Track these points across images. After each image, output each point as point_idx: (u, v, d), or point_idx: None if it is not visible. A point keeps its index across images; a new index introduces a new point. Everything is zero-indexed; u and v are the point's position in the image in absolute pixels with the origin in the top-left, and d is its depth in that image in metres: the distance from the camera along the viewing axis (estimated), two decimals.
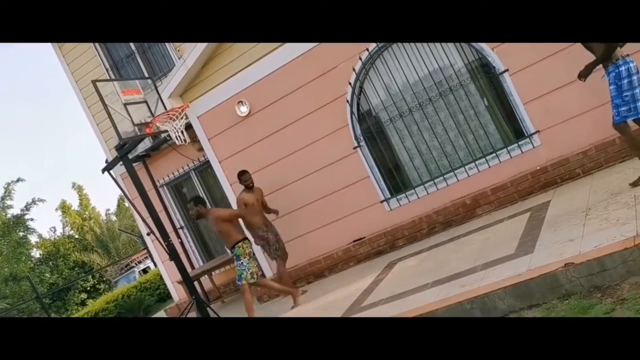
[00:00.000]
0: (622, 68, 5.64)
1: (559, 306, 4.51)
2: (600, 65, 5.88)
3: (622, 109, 5.71)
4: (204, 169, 11.61)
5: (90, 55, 12.43)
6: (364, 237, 8.92)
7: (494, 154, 8.11)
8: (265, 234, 8.70)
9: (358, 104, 8.79)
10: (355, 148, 8.76)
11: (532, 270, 4.93)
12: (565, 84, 6.44)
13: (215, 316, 8.69)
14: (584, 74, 6.04)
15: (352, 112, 8.71)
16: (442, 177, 8.48)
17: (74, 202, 34.44)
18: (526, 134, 7.91)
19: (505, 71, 7.78)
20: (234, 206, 9.06)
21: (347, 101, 8.67)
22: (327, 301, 7.58)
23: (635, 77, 5.63)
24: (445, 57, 8.21)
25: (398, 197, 8.74)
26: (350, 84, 8.59)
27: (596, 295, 4.39)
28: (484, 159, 8.18)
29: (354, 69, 8.51)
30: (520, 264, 5.23)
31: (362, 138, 8.77)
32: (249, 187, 8.66)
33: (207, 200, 10.85)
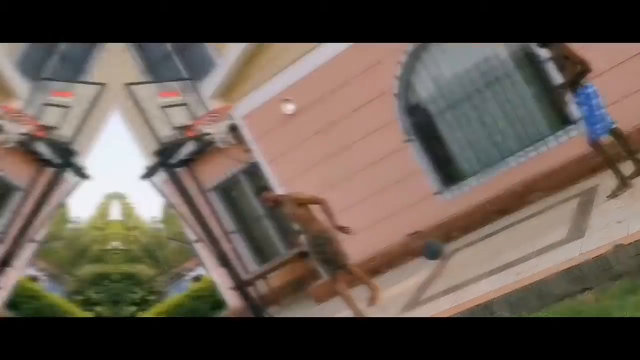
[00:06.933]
0: (590, 90, 6.18)
1: (611, 287, 4.63)
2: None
3: (597, 126, 6.17)
4: (253, 171, 10.89)
5: (122, 57, 11.72)
6: (420, 231, 8.97)
7: (543, 141, 8.18)
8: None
9: (406, 98, 8.92)
10: (405, 142, 8.90)
11: (583, 254, 5.04)
12: (606, 70, 6.49)
13: None
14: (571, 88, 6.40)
15: (400, 106, 8.85)
16: (493, 167, 8.59)
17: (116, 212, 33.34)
18: (572, 120, 7.95)
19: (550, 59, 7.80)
20: None
21: (395, 95, 8.82)
22: (385, 297, 7.65)
23: (600, 98, 6.19)
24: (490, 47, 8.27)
25: (451, 188, 8.87)
26: (397, 77, 8.75)
27: None
28: (532, 147, 8.26)
29: (400, 62, 8.63)
30: (572, 248, 5.34)
31: (412, 131, 8.91)
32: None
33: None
